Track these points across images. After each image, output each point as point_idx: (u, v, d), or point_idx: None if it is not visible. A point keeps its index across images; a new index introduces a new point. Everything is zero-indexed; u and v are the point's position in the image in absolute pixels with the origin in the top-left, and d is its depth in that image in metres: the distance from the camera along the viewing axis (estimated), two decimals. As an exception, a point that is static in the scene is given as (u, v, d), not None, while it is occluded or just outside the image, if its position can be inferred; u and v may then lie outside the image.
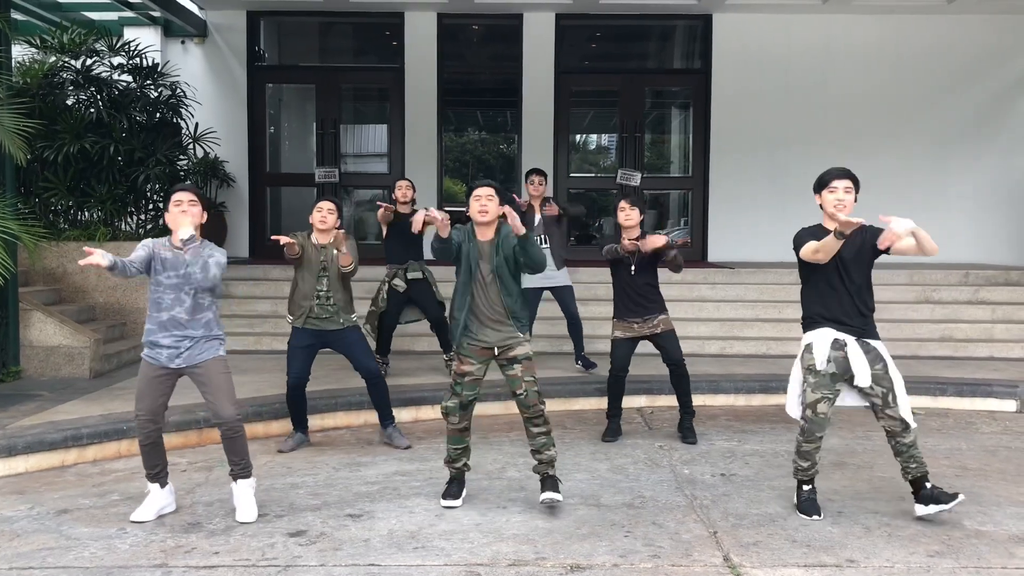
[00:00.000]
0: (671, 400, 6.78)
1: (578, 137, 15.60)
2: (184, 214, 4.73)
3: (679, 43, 13.46)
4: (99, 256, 4.57)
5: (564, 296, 8.23)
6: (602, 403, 6.99)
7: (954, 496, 4.74)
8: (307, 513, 4.95)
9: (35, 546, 4.48)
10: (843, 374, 4.81)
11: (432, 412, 7.27)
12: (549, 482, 5.06)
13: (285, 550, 4.41)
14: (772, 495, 5.27)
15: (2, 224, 6.94)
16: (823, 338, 4.83)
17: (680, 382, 6.57)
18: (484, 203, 4.98)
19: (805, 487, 4.97)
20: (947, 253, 12.02)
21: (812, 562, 4.27)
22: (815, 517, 4.84)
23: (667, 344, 6.49)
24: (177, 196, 4.83)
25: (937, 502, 4.75)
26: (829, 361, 4.80)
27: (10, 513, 4.97)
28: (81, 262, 4.64)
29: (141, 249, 4.77)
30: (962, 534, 4.64)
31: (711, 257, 12.17)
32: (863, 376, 4.74)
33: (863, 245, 4.81)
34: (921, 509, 4.80)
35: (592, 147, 16.51)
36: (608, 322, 9.17)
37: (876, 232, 4.77)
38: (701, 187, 12.50)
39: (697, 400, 7.65)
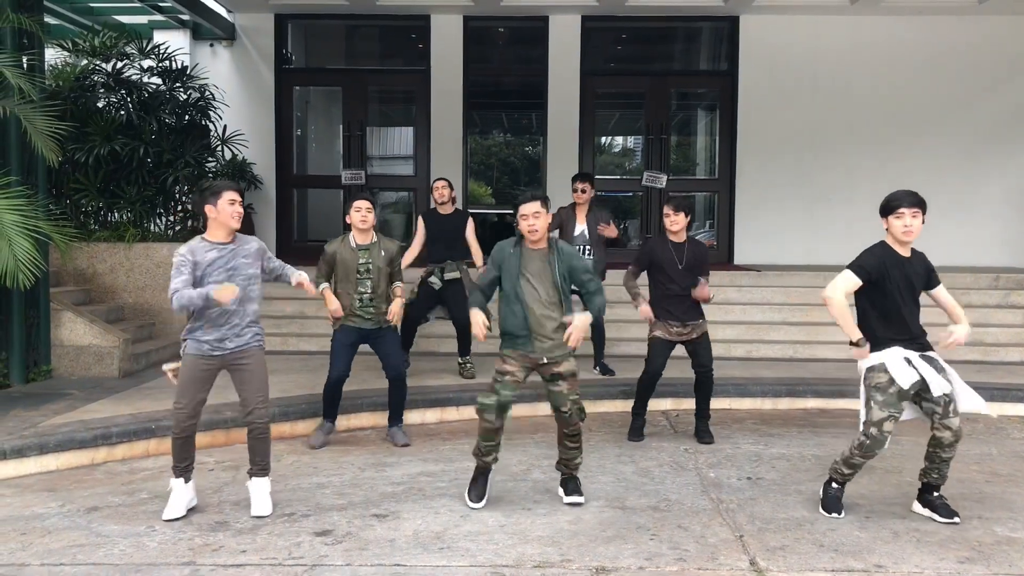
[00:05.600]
0: (697, 403, 6.75)
1: (603, 139, 15.57)
2: (240, 216, 4.85)
3: (705, 45, 13.40)
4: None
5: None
6: (626, 406, 6.97)
7: (953, 515, 4.80)
8: (333, 513, 4.98)
9: (66, 543, 4.53)
10: (909, 392, 4.74)
11: (457, 414, 7.29)
12: (572, 483, 5.12)
13: (311, 549, 4.43)
14: (799, 499, 5.24)
15: (34, 224, 7.02)
16: (896, 356, 4.78)
17: (705, 388, 6.58)
18: (532, 223, 4.87)
19: (834, 485, 4.97)
20: (977, 257, 11.94)
21: (840, 567, 4.23)
22: (834, 515, 4.85)
23: (701, 350, 6.48)
24: (232, 195, 4.84)
25: (935, 511, 4.86)
26: (893, 381, 4.75)
27: (41, 510, 5.04)
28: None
29: (183, 273, 4.71)
30: (993, 540, 4.58)
31: (737, 259, 12.10)
32: (939, 385, 4.70)
33: (923, 274, 4.91)
34: (917, 507, 4.96)
35: (617, 149, 16.48)
36: (633, 324, 9.19)
37: (932, 273, 4.95)
38: (727, 189, 12.44)
39: (723, 403, 7.64)
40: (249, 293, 4.91)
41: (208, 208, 4.84)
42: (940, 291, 4.98)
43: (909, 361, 4.76)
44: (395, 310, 6.34)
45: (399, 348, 6.56)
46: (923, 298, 4.97)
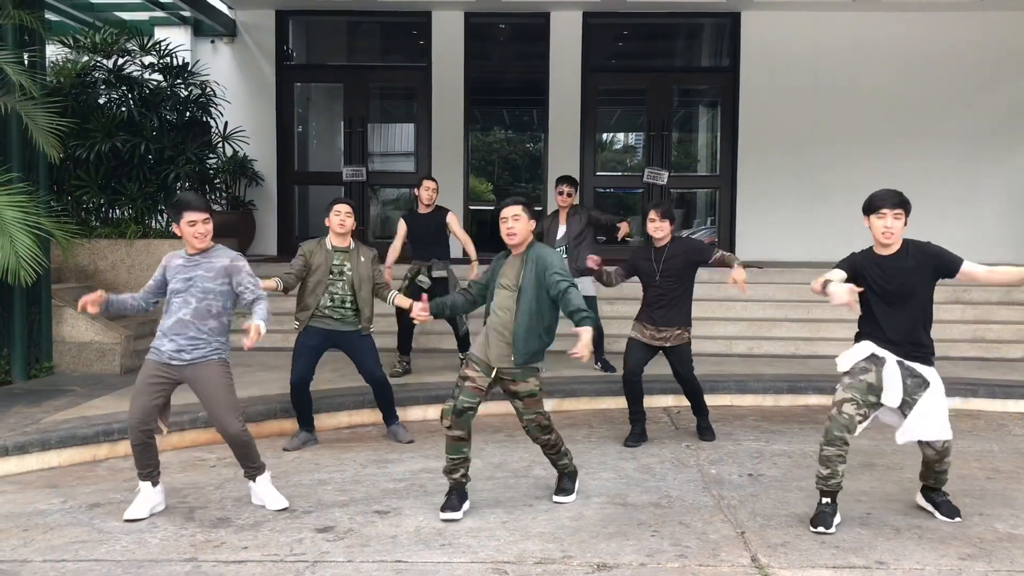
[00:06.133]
0: (699, 400, 6.74)
1: (605, 136, 15.55)
2: (202, 236, 4.81)
3: (707, 41, 13.39)
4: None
5: (587, 305, 8.03)
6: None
7: (955, 514, 4.79)
8: (335, 509, 4.98)
9: (68, 539, 4.54)
10: (879, 389, 4.66)
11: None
12: (561, 482, 5.17)
13: (313, 545, 4.44)
14: (800, 496, 5.24)
15: (36, 221, 7.02)
16: (861, 349, 4.76)
17: (691, 395, 6.56)
18: (511, 225, 4.80)
19: (823, 499, 4.73)
20: (978, 253, 11.89)
21: (841, 563, 4.23)
22: (820, 529, 4.60)
23: (676, 361, 6.40)
24: (191, 215, 4.78)
25: (937, 508, 4.86)
26: (866, 371, 4.67)
27: (44, 506, 5.05)
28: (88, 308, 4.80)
29: (154, 276, 4.94)
30: (994, 537, 4.58)
31: (739, 256, 12.07)
32: (892, 396, 4.61)
33: (921, 268, 4.67)
34: (920, 500, 4.98)
35: (619, 146, 16.46)
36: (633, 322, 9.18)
37: (941, 258, 4.67)
38: (729, 186, 12.44)
39: (724, 400, 7.65)
40: (208, 307, 4.81)
41: (174, 226, 4.87)
42: (966, 269, 4.63)
43: (883, 361, 4.65)
44: (401, 302, 6.22)
45: (375, 355, 6.34)
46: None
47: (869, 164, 11.93)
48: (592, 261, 6.67)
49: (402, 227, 8.17)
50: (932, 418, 4.63)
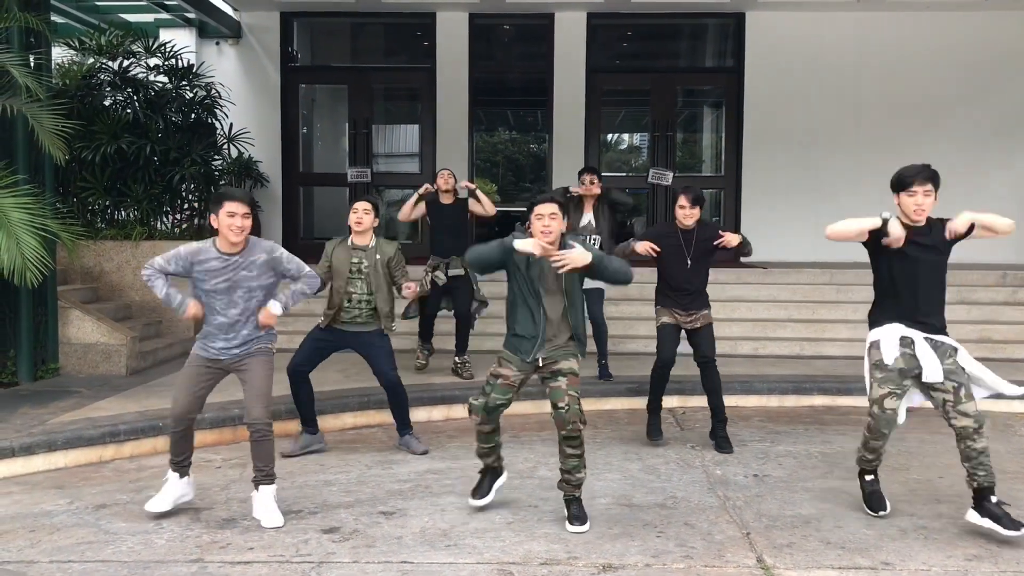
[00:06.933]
0: (704, 400, 6.70)
1: (609, 136, 15.56)
2: (240, 230, 4.70)
3: (711, 41, 13.39)
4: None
5: (592, 298, 7.83)
6: (632, 403, 6.96)
7: (1018, 526, 4.38)
8: (340, 510, 4.99)
9: (74, 540, 4.55)
10: (911, 371, 4.59)
11: (463, 411, 7.27)
12: (575, 507, 4.80)
13: (319, 546, 4.44)
14: (806, 496, 5.23)
15: (41, 223, 7.04)
16: (891, 333, 4.65)
17: (711, 381, 6.27)
18: (548, 223, 4.64)
19: (867, 476, 4.89)
20: (984, 254, 11.86)
21: (846, 564, 4.23)
22: (882, 513, 4.75)
23: (702, 340, 6.23)
24: (233, 205, 4.69)
25: (995, 520, 4.43)
26: (897, 357, 4.60)
27: (50, 507, 5.06)
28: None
29: (170, 265, 4.76)
30: (1001, 537, 4.54)
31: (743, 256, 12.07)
32: (933, 372, 4.49)
33: (937, 240, 4.72)
34: (974, 517, 4.53)
35: (624, 146, 16.48)
36: (640, 322, 9.19)
37: (945, 221, 4.72)
38: (733, 186, 12.44)
39: (729, 401, 7.57)
40: (257, 303, 4.83)
41: (212, 217, 4.77)
42: (959, 218, 4.71)
43: (911, 341, 4.59)
44: (410, 294, 6.22)
45: (389, 354, 6.18)
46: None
47: (874, 163, 11.88)
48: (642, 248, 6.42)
49: (422, 205, 8.11)
50: (984, 373, 4.67)
